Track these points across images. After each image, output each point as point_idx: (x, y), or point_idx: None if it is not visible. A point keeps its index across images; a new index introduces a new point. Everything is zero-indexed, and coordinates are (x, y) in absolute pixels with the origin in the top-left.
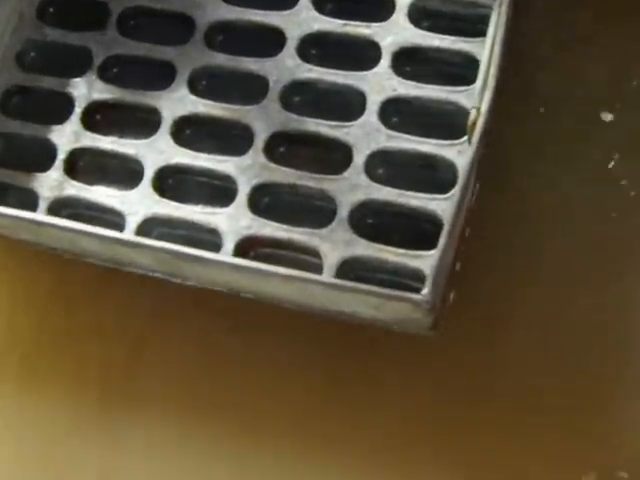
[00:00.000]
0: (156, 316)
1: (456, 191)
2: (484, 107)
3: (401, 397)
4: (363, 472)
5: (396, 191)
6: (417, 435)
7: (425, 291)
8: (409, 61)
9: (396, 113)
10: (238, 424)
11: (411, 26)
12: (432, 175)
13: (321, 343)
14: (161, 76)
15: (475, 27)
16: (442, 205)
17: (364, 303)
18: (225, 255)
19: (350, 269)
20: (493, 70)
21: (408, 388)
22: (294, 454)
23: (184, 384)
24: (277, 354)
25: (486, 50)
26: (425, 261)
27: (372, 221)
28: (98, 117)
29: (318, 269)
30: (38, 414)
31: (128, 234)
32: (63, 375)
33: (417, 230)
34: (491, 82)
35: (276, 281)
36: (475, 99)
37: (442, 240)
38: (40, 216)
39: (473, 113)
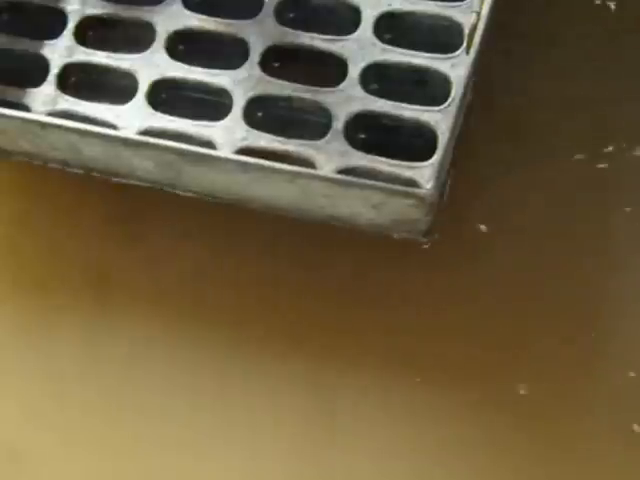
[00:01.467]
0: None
1: (452, 104)
2: (485, 10)
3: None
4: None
5: (390, 103)
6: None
7: (429, 185)
8: None
9: (390, 30)
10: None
11: None
12: (425, 90)
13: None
14: None
15: None
16: (435, 117)
17: (365, 201)
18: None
19: None
20: None
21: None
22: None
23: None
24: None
25: None
26: (418, 172)
27: (365, 136)
28: (91, 33)
29: None
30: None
31: None
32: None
33: (409, 146)
34: None
35: (280, 180)
36: (476, 5)
37: (442, 141)
38: (44, 117)
39: (474, 17)
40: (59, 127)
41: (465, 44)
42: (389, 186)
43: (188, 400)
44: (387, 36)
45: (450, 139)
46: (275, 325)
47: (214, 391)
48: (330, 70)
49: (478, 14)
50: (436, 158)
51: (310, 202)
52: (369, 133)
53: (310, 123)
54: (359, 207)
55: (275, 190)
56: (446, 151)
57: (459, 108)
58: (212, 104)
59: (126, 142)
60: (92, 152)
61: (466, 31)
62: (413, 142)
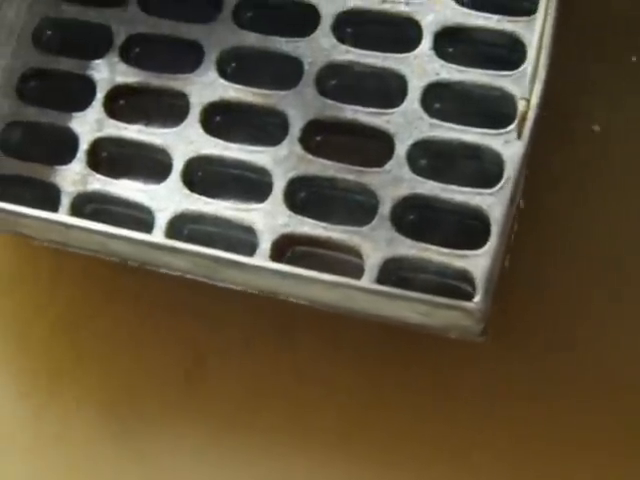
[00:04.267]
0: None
1: (505, 187)
2: (534, 100)
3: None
4: None
5: (440, 185)
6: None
7: (477, 299)
8: (451, 42)
9: (438, 99)
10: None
11: (453, 3)
12: (477, 166)
13: (364, 347)
14: (187, 57)
15: (522, 4)
16: (488, 200)
17: (411, 310)
18: (263, 257)
19: (393, 269)
20: (543, 59)
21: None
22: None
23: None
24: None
25: (536, 35)
26: (470, 261)
27: (414, 217)
28: (122, 102)
29: (359, 268)
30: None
31: (158, 233)
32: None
33: (462, 226)
34: (541, 73)
35: (317, 286)
36: (523, 87)
37: (492, 241)
38: (68, 218)
39: (522, 105)
40: (83, 228)
41: (516, 128)
42: (433, 298)
43: None
44: (436, 105)
45: (502, 231)
46: (333, 431)
47: None
48: (376, 144)
49: (528, 102)
50: (485, 263)
51: (355, 304)
52: (419, 214)
53: (357, 203)
54: (406, 312)
55: (317, 293)
56: (497, 247)
57: (512, 195)
58: (252, 181)
59: (152, 245)
60: (122, 248)
61: (519, 103)
62: (466, 222)
